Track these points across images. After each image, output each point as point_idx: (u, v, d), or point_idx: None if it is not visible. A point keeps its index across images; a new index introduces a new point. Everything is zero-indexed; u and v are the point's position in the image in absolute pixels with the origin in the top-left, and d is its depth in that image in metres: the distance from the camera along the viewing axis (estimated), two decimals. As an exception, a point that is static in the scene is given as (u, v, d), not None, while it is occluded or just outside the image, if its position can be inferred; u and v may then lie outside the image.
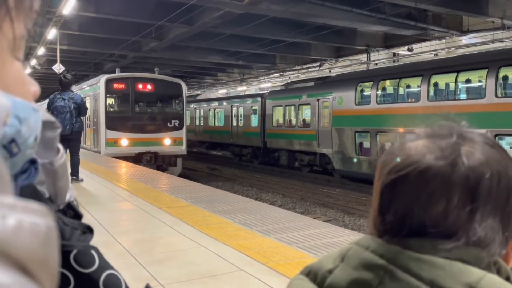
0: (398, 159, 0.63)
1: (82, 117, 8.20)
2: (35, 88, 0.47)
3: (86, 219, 0.68)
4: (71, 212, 0.69)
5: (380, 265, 0.59)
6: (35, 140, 0.42)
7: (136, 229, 4.96)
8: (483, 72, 12.04)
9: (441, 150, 0.61)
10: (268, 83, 34.39)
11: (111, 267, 0.66)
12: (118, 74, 17.39)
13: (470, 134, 0.64)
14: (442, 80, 13.48)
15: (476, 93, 12.63)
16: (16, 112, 0.39)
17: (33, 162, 0.44)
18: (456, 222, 0.58)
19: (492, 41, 17.21)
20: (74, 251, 0.63)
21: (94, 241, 0.66)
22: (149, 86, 16.44)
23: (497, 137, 11.57)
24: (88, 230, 0.68)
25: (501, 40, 17.06)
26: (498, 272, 0.58)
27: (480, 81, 12.46)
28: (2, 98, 0.35)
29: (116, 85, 16.17)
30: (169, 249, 4.07)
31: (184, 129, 16.68)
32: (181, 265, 3.61)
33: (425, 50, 20.79)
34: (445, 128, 0.66)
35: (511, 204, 0.60)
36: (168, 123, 16.35)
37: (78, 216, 0.69)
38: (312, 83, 19.46)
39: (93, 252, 0.65)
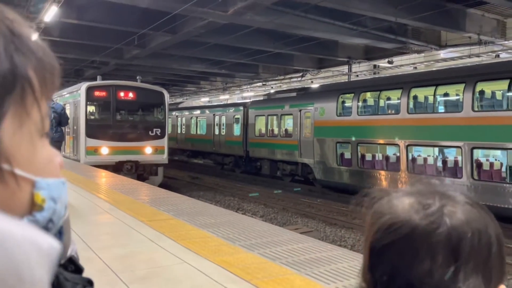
0: (384, 218, 0.65)
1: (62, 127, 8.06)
2: (59, 158, 0.49)
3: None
4: (72, 266, 0.69)
5: None
6: (65, 209, 0.44)
7: (117, 243, 4.89)
8: (461, 86, 12.37)
9: (424, 210, 0.63)
10: (250, 92, 34.50)
11: None
12: (99, 81, 17.19)
13: (453, 193, 0.67)
14: (421, 93, 13.80)
15: (454, 106, 12.96)
16: (51, 194, 0.42)
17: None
18: (441, 281, 0.60)
19: (469, 56, 17.72)
20: None
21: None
22: (131, 94, 16.30)
23: (473, 150, 11.88)
24: (89, 283, 0.69)
25: (477, 55, 17.59)
26: None
27: (457, 95, 12.79)
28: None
29: (97, 93, 15.97)
30: (152, 265, 4.03)
31: (165, 138, 16.56)
32: (164, 282, 3.58)
33: (405, 63, 21.27)
34: (429, 187, 0.68)
35: (491, 261, 0.63)
36: (150, 132, 16.21)
37: (79, 270, 0.70)
38: (294, 94, 19.63)
39: None
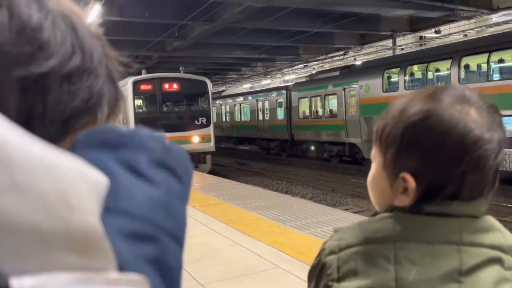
0: None
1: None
2: None
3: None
4: None
5: None
6: None
7: (172, 228, 5.05)
8: (517, 51, 11.55)
9: None
10: (292, 75, 34.16)
11: None
12: (144, 75, 17.65)
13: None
14: (473, 61, 13.03)
15: (511, 73, 12.14)
16: None
17: None
18: None
19: (525, 17, 16.49)
20: None
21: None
22: (175, 86, 16.63)
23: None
24: None
25: (535, 16, 16.32)
26: None
27: (514, 60, 11.96)
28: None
29: (143, 87, 16.42)
30: (206, 248, 4.13)
31: (211, 126, 16.80)
32: (218, 264, 3.66)
33: (454, 32, 20.13)
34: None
35: None
36: (196, 121, 16.50)
37: None
38: (337, 73, 19.19)
39: None
